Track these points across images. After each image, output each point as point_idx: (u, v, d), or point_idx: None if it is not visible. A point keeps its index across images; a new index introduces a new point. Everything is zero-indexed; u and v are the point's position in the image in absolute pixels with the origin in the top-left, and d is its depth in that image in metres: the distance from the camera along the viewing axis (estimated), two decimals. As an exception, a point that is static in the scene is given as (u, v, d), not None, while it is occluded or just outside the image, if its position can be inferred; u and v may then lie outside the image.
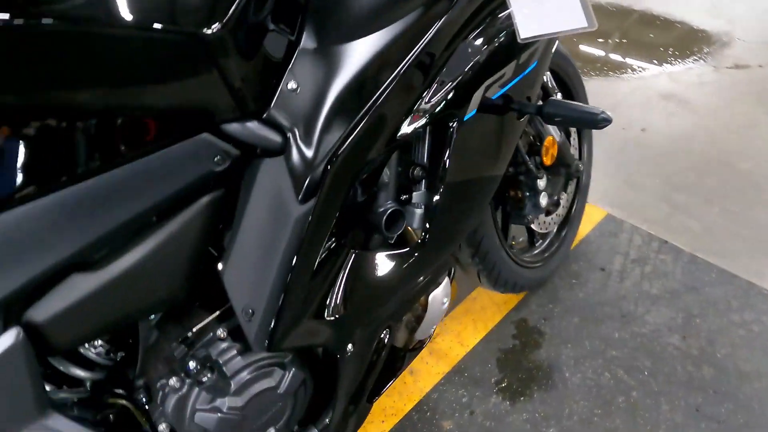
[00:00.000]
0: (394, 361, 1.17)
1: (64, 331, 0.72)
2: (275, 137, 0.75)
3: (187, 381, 0.81)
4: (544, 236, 1.74)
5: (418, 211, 0.96)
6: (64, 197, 0.65)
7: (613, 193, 2.14)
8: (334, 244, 0.83)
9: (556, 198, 1.52)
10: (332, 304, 0.86)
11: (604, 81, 2.90)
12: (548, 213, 1.62)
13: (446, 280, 1.15)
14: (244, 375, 0.84)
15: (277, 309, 0.78)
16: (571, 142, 1.62)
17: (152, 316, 0.82)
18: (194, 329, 0.83)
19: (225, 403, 0.82)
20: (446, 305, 1.16)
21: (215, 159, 0.72)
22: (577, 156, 1.65)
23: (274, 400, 0.87)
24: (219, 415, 0.82)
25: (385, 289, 0.93)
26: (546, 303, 1.74)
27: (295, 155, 0.75)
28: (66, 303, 0.70)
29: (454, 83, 0.86)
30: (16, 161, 0.61)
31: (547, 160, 1.34)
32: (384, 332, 1.01)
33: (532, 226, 1.59)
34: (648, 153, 2.36)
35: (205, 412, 0.82)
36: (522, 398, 1.50)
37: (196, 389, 0.82)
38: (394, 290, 0.96)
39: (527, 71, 1.00)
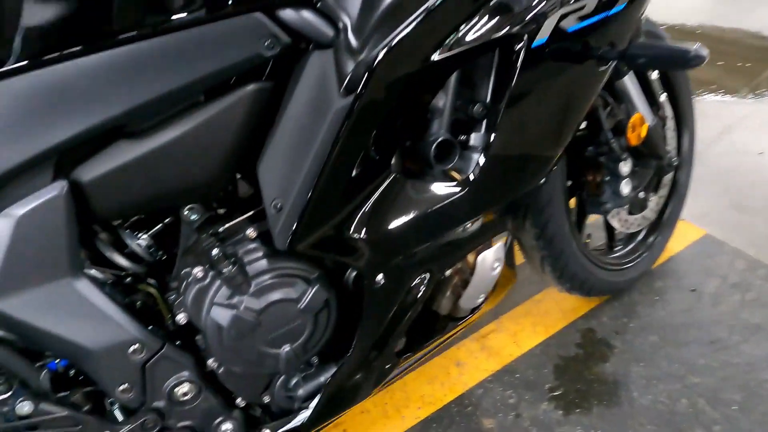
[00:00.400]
0: (434, 323, 1.08)
1: (105, 196, 0.74)
2: (326, 28, 0.73)
3: (210, 273, 0.80)
4: (627, 240, 1.56)
5: (472, 147, 0.89)
6: (118, 57, 0.67)
7: (716, 214, 1.89)
8: (375, 157, 0.79)
9: (642, 192, 1.36)
10: (364, 220, 0.80)
11: (719, 102, 2.63)
12: (632, 212, 1.45)
13: (500, 244, 1.05)
14: (266, 278, 0.82)
15: (304, 205, 0.74)
16: (667, 135, 1.45)
17: (194, 217, 0.82)
18: (227, 226, 0.82)
19: (242, 302, 0.80)
20: (497, 271, 1.06)
21: (266, 43, 0.72)
22: (674, 152, 1.48)
23: (292, 315, 0.83)
24: (235, 312, 0.79)
25: (425, 223, 0.86)
26: (620, 316, 1.55)
27: (343, 48, 0.72)
28: (110, 166, 0.72)
29: (525, -2, 0.79)
30: (75, 12, 0.64)
31: (633, 140, 1.20)
32: (422, 277, 0.93)
33: (612, 222, 1.43)
34: (764, 178, 2.07)
35: (222, 307, 0.80)
36: (578, 410, 1.32)
37: (218, 282, 0.80)
38: (435, 229, 0.88)
39: (613, 11, 0.90)
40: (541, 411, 1.33)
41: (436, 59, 0.75)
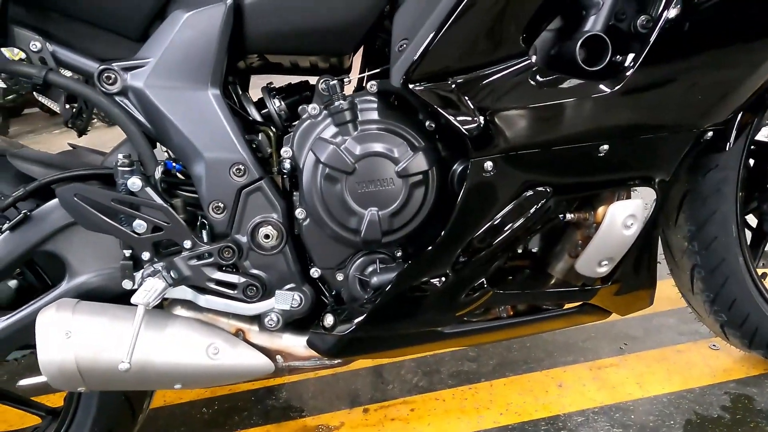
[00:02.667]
0: (539, 277, 0.93)
1: (260, 20, 0.82)
2: None
3: (324, 111, 0.82)
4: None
5: (627, 59, 0.79)
6: None
7: None
8: (510, 29, 0.74)
9: None
10: (483, 87, 0.75)
11: None
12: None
13: (640, 201, 0.89)
14: (373, 127, 0.80)
15: (427, 42, 0.72)
16: None
17: (323, 87, 0.85)
18: (350, 77, 0.83)
19: (344, 141, 0.79)
20: (630, 233, 0.88)
21: None
22: None
23: (388, 175, 0.79)
24: (332, 148, 0.79)
25: (551, 123, 0.77)
26: (796, 395, 1.18)
27: None
28: None
29: None
30: None
31: None
32: (538, 190, 0.82)
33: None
34: None
35: (323, 141, 0.80)
36: (708, 476, 1.01)
37: (328, 120, 0.81)
38: (562, 135, 0.78)
39: None
40: (655, 461, 1.04)
41: None
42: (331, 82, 0.80)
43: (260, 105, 0.93)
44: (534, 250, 0.97)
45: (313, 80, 0.89)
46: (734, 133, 0.95)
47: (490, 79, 0.76)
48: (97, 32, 0.85)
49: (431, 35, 0.73)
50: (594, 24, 0.79)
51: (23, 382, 0.82)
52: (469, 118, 0.75)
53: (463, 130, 0.75)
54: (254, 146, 0.86)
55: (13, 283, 0.95)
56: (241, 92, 0.94)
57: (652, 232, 0.94)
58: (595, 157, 0.81)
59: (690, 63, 0.81)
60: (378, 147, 0.79)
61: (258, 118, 0.91)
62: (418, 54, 0.73)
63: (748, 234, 1.18)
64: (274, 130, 0.89)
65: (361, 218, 0.80)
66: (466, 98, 0.75)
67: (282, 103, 0.91)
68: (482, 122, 0.76)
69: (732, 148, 0.96)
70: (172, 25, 0.80)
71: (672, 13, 0.78)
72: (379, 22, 0.85)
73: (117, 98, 0.82)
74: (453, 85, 0.75)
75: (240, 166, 0.81)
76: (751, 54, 0.82)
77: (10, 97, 4.37)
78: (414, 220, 0.82)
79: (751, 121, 0.99)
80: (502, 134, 0.77)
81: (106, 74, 0.81)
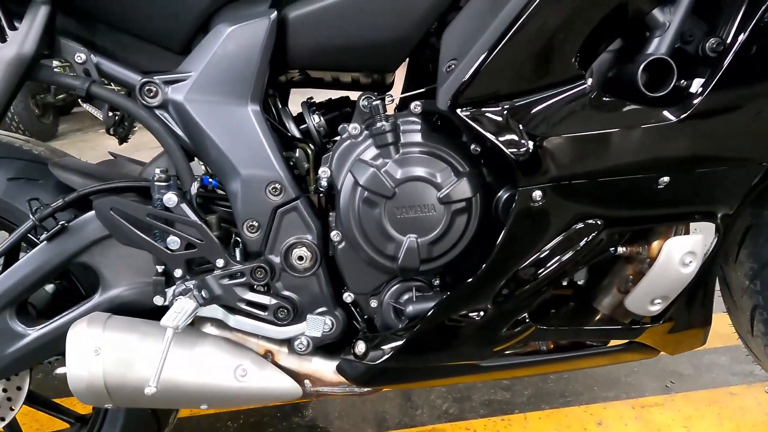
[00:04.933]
0: (584, 312, 0.88)
1: (303, 35, 0.80)
2: None
3: (365, 132, 0.79)
4: None
5: (694, 85, 0.73)
6: None
7: None
8: (567, 52, 0.70)
9: None
10: (535, 112, 0.71)
11: None
12: None
13: (700, 237, 0.82)
14: (415, 150, 0.77)
15: (476, 65, 0.68)
16: None
17: (364, 103, 0.82)
18: (393, 102, 0.80)
19: (385, 164, 0.76)
20: (689, 271, 0.81)
21: None
22: None
23: (429, 201, 0.75)
24: (372, 171, 0.76)
25: (608, 152, 0.72)
26: None
27: None
28: (317, 4, 0.79)
29: None
30: None
31: None
32: (589, 222, 0.76)
33: None
34: None
35: (363, 163, 0.77)
36: None
37: (369, 140, 0.79)
38: (619, 165, 0.73)
39: None
40: None
41: None
42: (374, 102, 0.77)
43: (299, 120, 0.91)
44: (580, 283, 0.92)
45: (354, 96, 0.87)
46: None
47: (543, 104, 0.71)
48: (141, 44, 0.84)
49: (482, 56, 0.69)
50: (658, 46, 0.73)
51: (61, 369, 0.81)
52: (519, 145, 0.71)
53: (512, 157, 0.71)
54: (292, 163, 0.84)
55: (50, 287, 0.96)
56: (281, 106, 0.92)
57: (710, 269, 0.87)
58: (654, 189, 0.75)
59: (763, 91, 0.74)
60: (420, 171, 0.75)
61: (297, 134, 0.89)
62: (467, 76, 0.69)
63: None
64: (312, 146, 0.86)
65: (399, 245, 0.76)
66: (517, 124, 0.71)
67: (322, 119, 0.89)
68: (532, 149, 0.71)
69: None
70: (215, 39, 0.79)
71: (745, 36, 0.72)
72: (425, 38, 0.82)
73: (157, 111, 0.82)
74: (503, 110, 0.71)
75: (276, 185, 0.79)
76: None
77: (60, 96, 4.53)
78: (455, 249, 0.78)
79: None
80: (553, 162, 0.72)
81: (147, 87, 0.80)
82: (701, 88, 0.72)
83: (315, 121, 0.89)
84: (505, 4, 0.70)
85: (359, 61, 0.83)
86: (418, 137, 0.77)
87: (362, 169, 0.76)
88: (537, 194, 0.73)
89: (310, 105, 0.91)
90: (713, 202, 0.80)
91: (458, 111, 0.70)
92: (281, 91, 0.97)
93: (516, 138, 0.71)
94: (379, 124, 0.75)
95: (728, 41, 0.72)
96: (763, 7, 0.71)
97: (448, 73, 0.71)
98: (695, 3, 0.73)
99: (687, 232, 0.84)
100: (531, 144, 0.71)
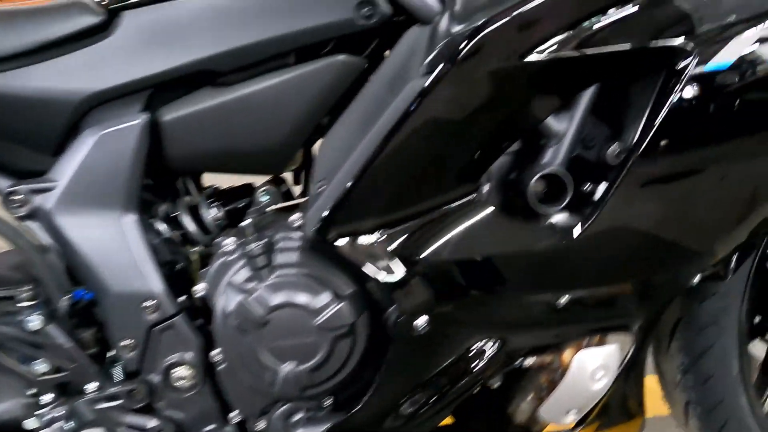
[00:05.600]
0: (493, 421, 0.82)
1: (179, 139, 0.75)
2: (432, 1, 0.64)
3: (240, 249, 0.73)
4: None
5: (592, 196, 0.67)
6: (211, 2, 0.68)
7: None
8: (449, 165, 0.64)
9: None
10: (416, 235, 0.65)
11: None
12: None
13: (614, 348, 0.76)
14: (291, 273, 0.71)
15: (345, 188, 0.62)
16: None
17: (264, 199, 0.76)
18: (277, 206, 0.75)
19: (255, 290, 0.70)
20: (600, 386, 0.76)
21: (362, 9, 0.66)
22: None
23: (306, 328, 0.70)
24: (242, 297, 0.70)
25: (501, 270, 0.66)
26: None
27: (443, 26, 0.61)
28: (190, 109, 0.74)
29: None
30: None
31: None
32: (485, 342, 0.70)
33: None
34: None
35: (234, 289, 0.72)
36: None
37: (242, 261, 0.73)
38: (514, 283, 0.67)
39: None
40: None
41: (535, 59, 0.59)
42: (267, 201, 0.72)
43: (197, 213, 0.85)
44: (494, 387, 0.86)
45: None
46: (735, 261, 0.81)
47: (423, 226, 0.65)
48: (10, 146, 0.79)
49: (349, 182, 0.63)
50: (554, 156, 0.67)
51: None
52: (397, 273, 0.65)
53: (389, 287, 0.65)
54: (176, 270, 0.78)
55: None
56: (184, 195, 0.86)
57: (631, 373, 0.81)
58: (553, 308, 0.70)
59: (666, 200, 0.68)
60: (294, 297, 0.69)
61: (192, 228, 0.83)
62: (333, 203, 0.63)
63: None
64: (203, 247, 0.80)
65: (275, 373, 0.70)
66: (394, 250, 0.65)
67: (221, 210, 0.82)
68: (412, 276, 0.65)
69: (734, 275, 0.83)
70: (83, 145, 0.74)
71: (649, 142, 0.65)
72: (320, 135, 0.76)
73: (27, 221, 0.76)
74: (377, 237, 0.65)
75: (151, 302, 0.73)
76: (752, 197, 0.68)
77: None
78: (339, 374, 0.72)
79: (758, 244, 0.85)
80: (436, 288, 0.66)
81: (12, 197, 0.75)
82: (600, 200, 0.67)
83: (212, 214, 0.82)
84: (377, 117, 0.64)
85: (243, 166, 0.77)
86: (295, 257, 0.71)
87: (231, 295, 0.70)
88: (421, 321, 0.67)
89: (209, 195, 0.85)
90: (624, 315, 0.74)
91: (326, 240, 0.64)
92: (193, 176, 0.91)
93: (392, 266, 0.65)
94: (249, 247, 0.69)
95: (630, 147, 0.66)
96: (665, 110, 0.65)
97: (317, 195, 0.66)
98: (596, 108, 0.67)
99: (602, 342, 0.78)
100: (409, 270, 0.65)
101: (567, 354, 0.77)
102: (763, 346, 1.00)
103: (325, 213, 0.63)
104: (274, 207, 0.71)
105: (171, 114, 0.74)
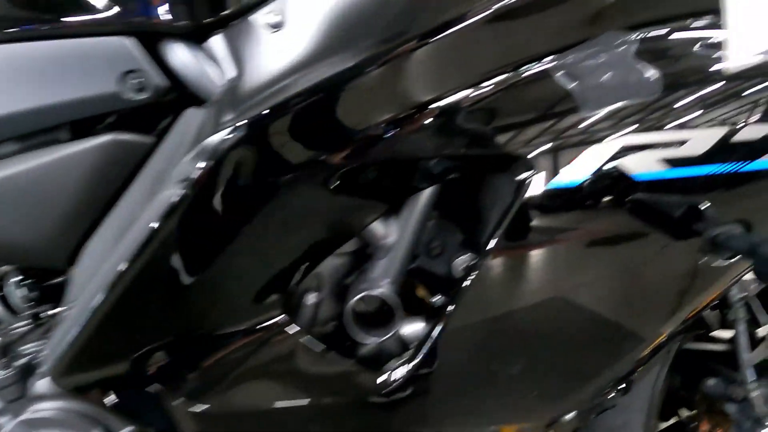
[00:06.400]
0: None
1: None
2: (208, 76, 0.50)
3: None
4: None
5: (432, 327, 0.53)
6: None
7: None
8: (225, 286, 0.50)
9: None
10: (186, 381, 0.51)
11: None
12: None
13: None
14: (47, 408, 0.56)
15: (83, 322, 0.48)
16: None
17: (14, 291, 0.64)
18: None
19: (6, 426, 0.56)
20: None
21: (131, 81, 0.51)
22: None
23: None
24: None
25: (299, 416, 0.52)
26: None
27: (217, 110, 0.48)
28: None
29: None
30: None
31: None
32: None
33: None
34: None
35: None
36: None
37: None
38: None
39: (751, 166, 0.48)
40: None
41: (335, 161, 0.45)
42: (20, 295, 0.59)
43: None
44: None
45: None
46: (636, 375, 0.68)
47: (213, 364, 0.52)
48: None
49: (83, 323, 0.49)
50: (384, 275, 0.53)
51: None
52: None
53: None
54: None
55: None
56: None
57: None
58: None
59: (520, 332, 0.55)
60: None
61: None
62: (69, 343, 0.50)
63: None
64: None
65: None
66: (155, 399, 0.51)
67: (33, 291, 0.69)
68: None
69: (637, 387, 0.70)
70: None
71: (492, 255, 0.51)
72: None
73: None
74: (128, 385, 0.51)
75: None
76: (619, 328, 0.55)
77: None
78: None
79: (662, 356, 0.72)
80: None
81: None
82: (435, 329, 0.53)
83: (19, 295, 0.68)
84: (131, 226, 0.50)
85: (22, 260, 0.63)
86: (44, 385, 0.56)
87: None
88: None
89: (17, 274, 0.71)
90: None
91: (61, 383, 0.50)
92: None
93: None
94: (3, 375, 0.55)
95: (481, 259, 0.53)
96: (511, 212, 0.51)
97: (61, 325, 0.52)
98: (443, 213, 0.54)
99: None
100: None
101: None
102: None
103: (62, 351, 0.49)
104: (29, 312, 0.56)
105: None
